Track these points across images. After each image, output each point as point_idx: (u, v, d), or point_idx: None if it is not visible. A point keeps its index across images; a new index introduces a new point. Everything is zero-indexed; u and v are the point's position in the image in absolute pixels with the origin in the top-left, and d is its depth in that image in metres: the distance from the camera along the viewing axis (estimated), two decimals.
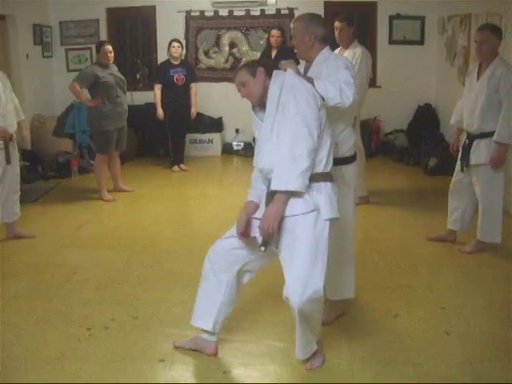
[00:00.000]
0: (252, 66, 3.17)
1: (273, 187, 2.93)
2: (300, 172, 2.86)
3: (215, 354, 3.43)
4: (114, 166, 7.21)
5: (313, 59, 3.50)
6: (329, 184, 3.05)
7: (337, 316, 3.82)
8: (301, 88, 2.99)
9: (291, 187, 2.88)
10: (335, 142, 3.41)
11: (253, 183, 3.26)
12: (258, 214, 3.08)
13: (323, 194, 3.00)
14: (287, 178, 2.87)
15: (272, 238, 2.98)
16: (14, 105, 5.36)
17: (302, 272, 2.95)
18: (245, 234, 3.15)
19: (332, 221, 3.03)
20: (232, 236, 3.24)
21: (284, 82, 3.02)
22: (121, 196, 7.11)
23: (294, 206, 2.97)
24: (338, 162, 3.44)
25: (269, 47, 8.10)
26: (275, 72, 3.13)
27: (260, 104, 3.13)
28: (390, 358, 3.38)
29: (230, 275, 3.30)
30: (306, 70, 3.48)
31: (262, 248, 3.00)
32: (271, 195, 2.99)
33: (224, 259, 3.29)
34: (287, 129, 2.92)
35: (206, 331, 3.40)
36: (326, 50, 3.51)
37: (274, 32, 7.98)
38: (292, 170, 2.87)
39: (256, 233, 3.06)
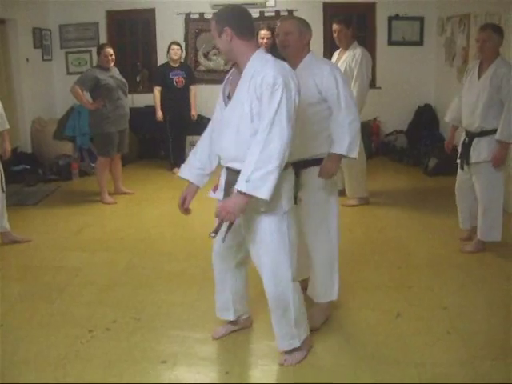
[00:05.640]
0: (219, 19, 3.03)
1: (241, 188, 2.88)
2: (274, 179, 2.87)
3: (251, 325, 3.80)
4: (116, 169, 7.22)
5: (296, 60, 3.55)
6: (288, 170, 3.13)
7: (323, 321, 3.81)
8: (289, 81, 2.92)
9: (261, 195, 2.87)
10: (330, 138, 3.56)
11: (190, 159, 3.39)
12: (220, 195, 3.23)
13: (284, 184, 3.07)
14: (259, 185, 2.85)
15: (221, 227, 3.09)
16: None
17: (272, 268, 3.17)
18: (182, 207, 3.42)
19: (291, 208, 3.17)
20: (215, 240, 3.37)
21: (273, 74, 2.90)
22: (122, 198, 7.12)
23: (258, 203, 3.01)
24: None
25: None
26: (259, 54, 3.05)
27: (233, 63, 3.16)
28: (392, 358, 3.38)
29: (230, 271, 3.53)
30: None
31: (212, 235, 3.12)
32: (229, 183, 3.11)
33: (219, 260, 3.51)
34: (265, 120, 2.87)
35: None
36: (311, 55, 3.60)
37: (264, 33, 7.23)
38: (267, 177, 2.85)
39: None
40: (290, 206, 3.15)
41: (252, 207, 3.03)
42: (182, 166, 3.43)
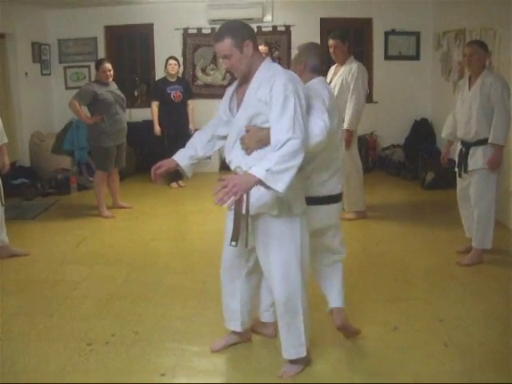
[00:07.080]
0: (236, 34, 2.99)
1: (259, 175, 2.81)
2: (292, 176, 2.85)
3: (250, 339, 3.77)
4: (114, 183, 7.23)
5: None
6: (301, 173, 3.09)
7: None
8: (298, 88, 2.98)
9: (278, 188, 2.83)
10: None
11: (188, 147, 3.50)
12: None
13: (297, 186, 3.07)
14: (278, 178, 2.81)
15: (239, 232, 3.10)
16: None
17: (282, 270, 3.17)
18: (154, 172, 3.39)
19: (303, 213, 3.16)
20: (226, 248, 3.40)
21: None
22: (120, 212, 7.12)
23: (267, 204, 3.05)
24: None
25: None
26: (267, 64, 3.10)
27: (243, 77, 3.13)
28: (390, 370, 3.39)
29: (240, 280, 3.51)
30: None
31: (233, 243, 3.12)
32: None
33: (230, 269, 3.49)
34: (284, 123, 2.88)
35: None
36: (316, 81, 3.48)
37: (261, 48, 7.11)
38: (287, 172, 2.83)
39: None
40: (302, 209, 3.17)
41: (264, 210, 3.08)
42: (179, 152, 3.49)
